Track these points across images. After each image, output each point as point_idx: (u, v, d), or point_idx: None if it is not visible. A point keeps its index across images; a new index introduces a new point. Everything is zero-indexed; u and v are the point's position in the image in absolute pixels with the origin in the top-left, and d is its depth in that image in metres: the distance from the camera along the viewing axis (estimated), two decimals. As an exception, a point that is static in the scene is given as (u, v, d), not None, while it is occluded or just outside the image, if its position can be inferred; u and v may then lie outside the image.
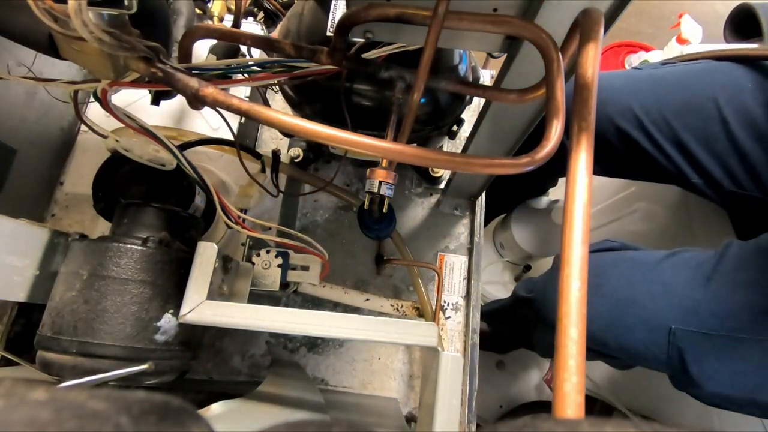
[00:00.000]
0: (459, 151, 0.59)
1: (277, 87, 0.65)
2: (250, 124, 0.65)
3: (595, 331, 0.59)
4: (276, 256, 0.46)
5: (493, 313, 0.91)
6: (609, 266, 0.62)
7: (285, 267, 0.46)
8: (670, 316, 0.54)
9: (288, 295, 0.58)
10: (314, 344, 0.59)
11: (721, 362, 0.51)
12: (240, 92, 0.61)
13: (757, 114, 0.58)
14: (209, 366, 0.56)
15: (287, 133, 0.45)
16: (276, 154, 0.50)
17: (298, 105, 0.50)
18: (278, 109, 0.26)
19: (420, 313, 0.54)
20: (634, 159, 0.67)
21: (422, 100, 0.44)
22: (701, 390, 0.53)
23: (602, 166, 0.74)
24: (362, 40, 0.33)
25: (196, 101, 0.27)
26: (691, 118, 0.62)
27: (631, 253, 0.64)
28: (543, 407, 0.99)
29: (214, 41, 0.51)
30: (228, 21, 0.67)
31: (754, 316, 0.50)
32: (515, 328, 0.89)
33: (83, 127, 0.60)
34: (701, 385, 0.53)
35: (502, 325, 0.94)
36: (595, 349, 0.62)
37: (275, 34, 0.63)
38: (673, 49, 1.18)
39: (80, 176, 0.60)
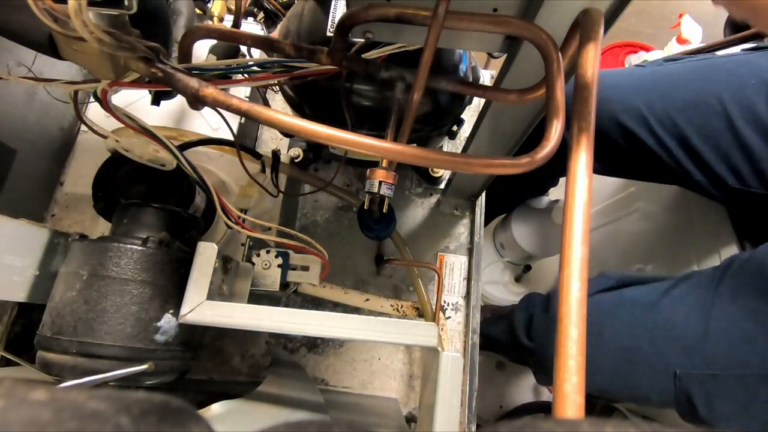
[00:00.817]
0: (459, 151, 0.59)
1: (277, 87, 0.65)
2: (250, 124, 0.65)
3: (599, 382, 0.58)
4: (276, 257, 0.46)
5: (491, 341, 0.88)
6: (608, 313, 0.60)
7: (285, 267, 0.46)
8: (674, 360, 0.52)
9: (288, 296, 0.58)
10: (314, 344, 0.59)
11: (730, 401, 0.50)
12: (240, 92, 0.61)
13: (762, 109, 0.57)
14: (209, 366, 0.56)
15: (287, 133, 0.45)
16: (276, 154, 0.50)
17: (298, 105, 0.50)
18: (278, 109, 0.26)
19: (420, 314, 0.54)
20: (638, 157, 0.67)
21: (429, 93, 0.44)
22: (712, 428, 0.52)
23: (604, 164, 0.73)
24: (362, 40, 0.33)
25: (196, 101, 0.27)
26: (695, 115, 0.61)
27: (628, 293, 0.62)
28: (543, 408, 0.99)
29: (214, 41, 0.51)
30: (228, 21, 0.67)
31: (758, 349, 0.48)
32: (514, 360, 0.88)
33: (83, 127, 0.60)
34: (712, 424, 0.51)
35: (501, 353, 0.92)
36: (600, 396, 0.61)
37: (275, 34, 0.63)
38: (673, 50, 1.18)
39: (80, 176, 0.60)
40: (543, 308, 0.73)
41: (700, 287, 0.56)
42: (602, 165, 0.73)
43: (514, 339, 0.76)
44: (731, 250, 0.70)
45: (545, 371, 0.71)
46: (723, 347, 0.50)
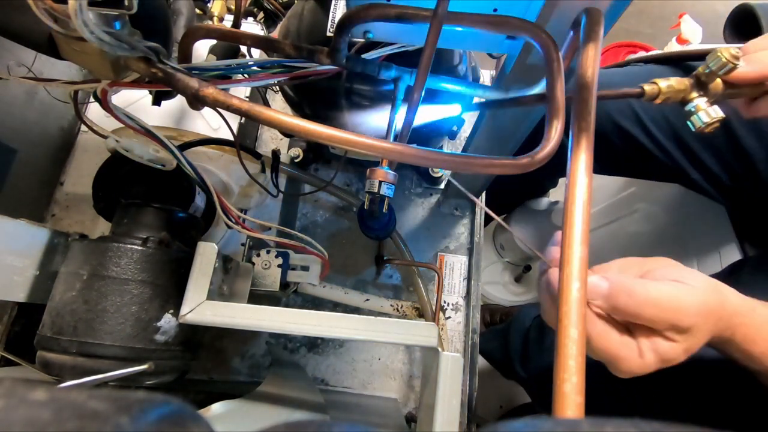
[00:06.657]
0: (459, 151, 0.59)
1: (277, 87, 0.65)
2: (250, 124, 0.65)
3: None
4: (276, 257, 0.46)
5: (488, 358, 0.85)
6: None
7: (285, 267, 0.46)
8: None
9: (288, 296, 0.58)
10: (314, 344, 0.59)
11: None
12: (240, 92, 0.61)
13: None
14: (209, 366, 0.56)
15: (287, 133, 0.45)
16: (276, 154, 0.50)
17: (298, 105, 0.50)
18: (278, 109, 0.26)
19: (420, 314, 0.54)
20: (634, 156, 0.67)
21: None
22: None
23: (601, 164, 0.73)
24: (362, 40, 0.33)
25: (196, 101, 0.27)
26: None
27: None
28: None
29: (214, 41, 0.51)
30: (228, 21, 0.67)
31: None
32: (512, 380, 0.86)
33: (83, 127, 0.60)
34: None
35: (499, 372, 0.90)
36: None
37: (275, 34, 0.63)
38: (672, 50, 1.18)
39: (80, 176, 0.60)
40: (537, 339, 0.71)
41: None
42: (599, 165, 0.73)
43: (509, 365, 0.75)
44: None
45: (543, 405, 0.69)
46: None
